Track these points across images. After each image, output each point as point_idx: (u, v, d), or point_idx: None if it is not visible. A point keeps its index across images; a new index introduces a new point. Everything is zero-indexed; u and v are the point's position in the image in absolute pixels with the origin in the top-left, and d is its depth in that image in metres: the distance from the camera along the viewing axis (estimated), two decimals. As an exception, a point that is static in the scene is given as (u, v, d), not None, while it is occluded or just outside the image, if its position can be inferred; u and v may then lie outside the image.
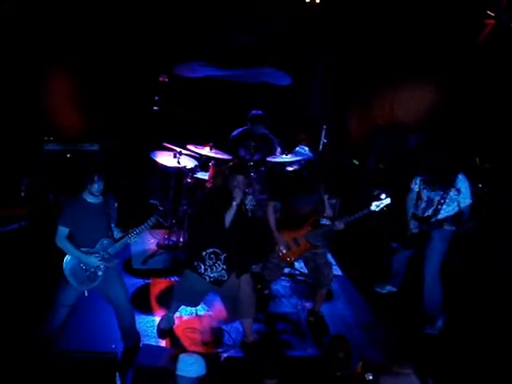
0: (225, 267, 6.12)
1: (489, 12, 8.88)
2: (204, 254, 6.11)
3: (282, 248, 6.77)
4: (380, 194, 6.56)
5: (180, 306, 6.69)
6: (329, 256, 8.26)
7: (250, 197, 6.22)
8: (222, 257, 6.10)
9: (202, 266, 6.13)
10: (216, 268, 6.11)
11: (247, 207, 6.20)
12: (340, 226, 6.63)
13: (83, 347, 6.02)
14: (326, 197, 6.88)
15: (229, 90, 10.09)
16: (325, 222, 6.79)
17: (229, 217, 6.02)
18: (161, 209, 6.02)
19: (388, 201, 6.50)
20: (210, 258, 6.11)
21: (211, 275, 6.13)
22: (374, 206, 6.52)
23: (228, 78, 10.13)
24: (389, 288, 7.80)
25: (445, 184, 6.83)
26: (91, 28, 9.12)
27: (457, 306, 7.37)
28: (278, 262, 6.92)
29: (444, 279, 7.03)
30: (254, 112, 8.65)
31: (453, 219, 6.79)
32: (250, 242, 6.43)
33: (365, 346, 6.67)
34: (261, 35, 9.94)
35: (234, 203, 6.00)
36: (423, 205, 7.04)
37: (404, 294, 7.72)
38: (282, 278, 7.92)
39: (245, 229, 6.23)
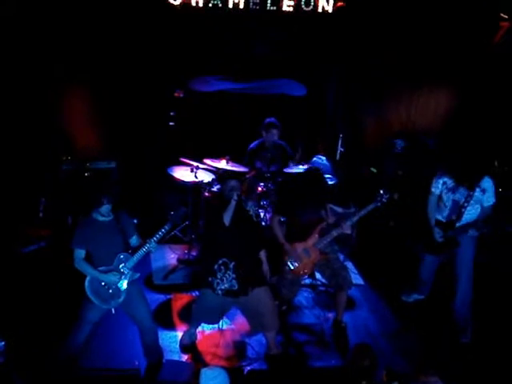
0: (234, 276, 6.06)
1: (502, 14, 8.84)
2: (216, 267, 6.08)
3: (293, 261, 6.71)
4: (381, 191, 6.57)
5: (201, 322, 6.68)
6: (350, 264, 8.25)
7: (250, 203, 6.24)
8: (231, 265, 6.05)
9: (215, 281, 6.09)
10: (226, 278, 6.06)
11: (251, 213, 6.20)
12: (347, 227, 6.61)
13: (106, 364, 6.04)
14: (329, 205, 6.84)
15: (244, 102, 10.11)
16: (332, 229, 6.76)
17: (228, 215, 5.96)
18: (172, 213, 6.00)
19: (388, 195, 6.52)
20: (220, 270, 6.07)
21: (222, 287, 6.08)
22: (376, 202, 6.55)
23: (243, 91, 10.15)
24: (415, 296, 7.71)
25: (470, 183, 6.73)
26: (106, 46, 9.19)
27: (484, 313, 7.27)
28: (292, 278, 6.85)
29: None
30: (266, 120, 8.66)
31: (477, 223, 6.74)
32: (258, 249, 6.38)
33: (390, 354, 6.59)
34: (275, 47, 9.96)
35: (232, 200, 5.96)
36: (447, 210, 6.93)
37: (430, 302, 7.63)
38: (304, 289, 7.89)
39: (251, 234, 6.22)
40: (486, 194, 6.70)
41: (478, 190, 6.70)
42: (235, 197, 5.98)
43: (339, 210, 7.08)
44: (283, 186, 8.29)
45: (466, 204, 6.76)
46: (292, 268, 6.73)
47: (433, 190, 7.05)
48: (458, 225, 6.84)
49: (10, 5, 8.24)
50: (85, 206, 5.82)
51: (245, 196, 6.24)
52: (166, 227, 5.87)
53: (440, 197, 7.00)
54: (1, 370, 5.78)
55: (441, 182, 6.97)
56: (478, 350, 6.84)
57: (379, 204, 6.55)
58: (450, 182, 6.90)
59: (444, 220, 6.97)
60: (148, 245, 5.82)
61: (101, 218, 5.75)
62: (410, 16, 9.24)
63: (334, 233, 6.68)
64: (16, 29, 8.53)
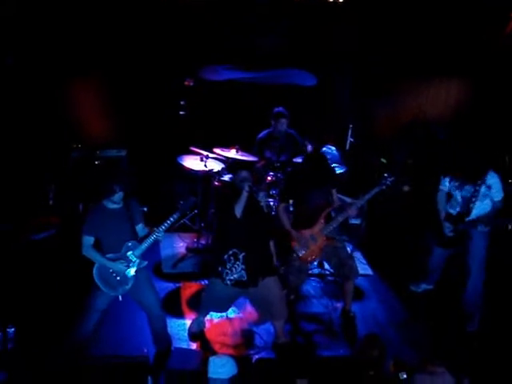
0: (244, 267, 6.05)
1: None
2: (226, 257, 6.07)
3: (300, 248, 6.73)
4: (385, 174, 6.60)
5: (210, 311, 6.70)
6: (358, 254, 8.25)
7: (262, 193, 6.19)
8: (241, 256, 6.04)
9: (224, 271, 6.09)
10: (236, 269, 6.06)
11: (261, 204, 6.18)
12: (353, 212, 6.63)
13: (115, 352, 6.05)
14: (334, 190, 6.88)
15: (254, 92, 10.09)
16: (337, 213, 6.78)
17: (239, 206, 5.93)
18: (182, 202, 6.00)
19: (392, 178, 6.54)
20: (230, 260, 6.06)
21: (231, 277, 6.08)
22: (380, 185, 6.56)
23: (253, 81, 10.14)
24: (424, 286, 7.72)
25: (474, 179, 6.74)
26: (116, 35, 9.20)
27: (493, 303, 7.27)
28: (299, 266, 6.84)
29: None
30: (275, 109, 8.65)
31: (485, 219, 6.76)
32: (268, 240, 6.38)
33: (398, 344, 6.57)
34: (285, 36, 9.93)
35: (244, 191, 5.93)
36: (458, 206, 6.96)
37: (439, 292, 7.64)
38: (313, 278, 7.90)
39: (262, 225, 6.21)
40: (492, 190, 6.72)
41: (483, 186, 6.73)
42: (247, 188, 5.94)
43: (348, 200, 7.09)
44: (287, 173, 8.29)
45: (473, 199, 6.78)
46: (299, 255, 6.73)
47: (441, 187, 7.12)
48: (468, 219, 6.85)
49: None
50: (96, 193, 5.83)
51: (256, 186, 6.21)
52: (175, 216, 5.88)
53: (449, 195, 7.06)
54: (10, 356, 5.86)
55: (447, 179, 7.03)
56: (484, 339, 6.84)
57: (384, 187, 6.56)
58: (455, 180, 6.95)
59: (455, 213, 6.98)
60: (156, 233, 5.84)
61: (111, 206, 5.76)
62: (422, 5, 9.19)
63: (340, 218, 6.68)
64: (29, 19, 8.56)
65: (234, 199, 5.99)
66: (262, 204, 6.20)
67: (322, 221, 6.69)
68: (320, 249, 6.76)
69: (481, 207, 6.81)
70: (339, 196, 6.94)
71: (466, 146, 7.39)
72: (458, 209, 6.97)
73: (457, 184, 6.94)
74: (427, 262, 7.55)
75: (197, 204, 5.95)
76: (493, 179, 6.74)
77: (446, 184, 7.05)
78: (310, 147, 8.67)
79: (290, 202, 7.03)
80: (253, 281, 6.12)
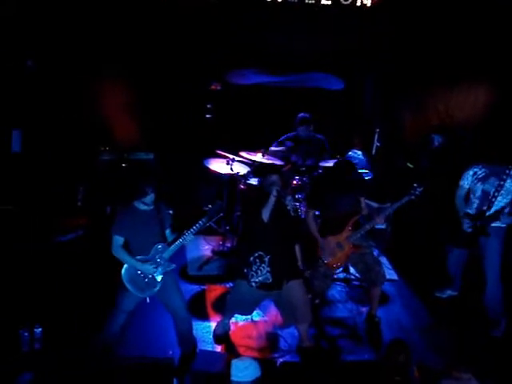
0: (269, 269, 6.04)
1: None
2: (251, 259, 6.07)
3: (327, 255, 6.72)
4: (414, 184, 6.55)
5: (234, 313, 6.72)
6: (384, 260, 8.22)
7: (289, 197, 6.19)
8: (266, 259, 6.03)
9: (250, 273, 6.09)
10: (261, 271, 6.05)
11: (288, 208, 6.16)
12: (380, 220, 6.63)
13: (141, 353, 6.10)
14: (362, 198, 6.83)
15: (281, 95, 10.11)
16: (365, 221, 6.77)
17: (267, 210, 5.93)
18: (210, 206, 6.04)
19: (421, 188, 6.49)
20: (255, 263, 6.06)
21: (257, 280, 6.07)
22: (409, 195, 6.52)
23: (280, 84, 10.16)
24: (449, 292, 7.67)
25: (500, 172, 6.70)
26: (145, 39, 9.27)
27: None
28: (325, 271, 6.83)
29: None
30: (299, 115, 8.68)
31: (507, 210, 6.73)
32: (294, 243, 6.37)
33: (423, 350, 6.54)
34: (312, 40, 9.94)
35: (272, 195, 5.92)
36: (477, 202, 6.90)
37: (464, 297, 7.59)
38: (338, 283, 7.90)
39: (288, 229, 6.20)
40: None
41: (509, 180, 6.68)
42: (275, 192, 5.94)
43: (374, 205, 7.07)
44: (315, 180, 8.29)
45: (496, 194, 6.73)
46: (325, 261, 6.73)
47: (461, 183, 7.04)
48: (487, 214, 6.82)
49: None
50: (128, 194, 5.86)
51: (284, 190, 6.21)
52: (204, 220, 5.92)
53: (469, 190, 6.99)
54: (37, 356, 5.94)
55: (471, 173, 6.94)
56: (510, 344, 6.78)
57: (413, 197, 6.52)
58: (480, 172, 6.88)
59: (473, 212, 6.94)
60: (185, 237, 5.88)
61: (142, 207, 5.81)
62: (449, 10, 9.14)
63: (368, 226, 6.68)
64: (58, 20, 8.67)
65: (261, 203, 6.00)
66: (289, 208, 6.19)
67: (350, 228, 6.68)
68: (346, 256, 6.76)
69: (502, 203, 6.78)
70: (366, 201, 6.91)
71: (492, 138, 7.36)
72: (475, 204, 6.92)
73: (482, 176, 6.85)
74: (446, 265, 7.51)
75: (223, 208, 5.96)
76: None
77: (468, 178, 6.96)
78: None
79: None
80: (277, 284, 6.12)
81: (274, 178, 6.09)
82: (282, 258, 6.12)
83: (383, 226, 8.43)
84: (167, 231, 5.98)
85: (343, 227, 6.68)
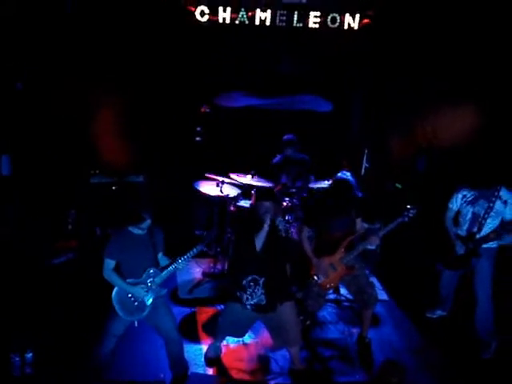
0: (263, 291, 6.03)
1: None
2: (244, 282, 6.06)
3: (320, 275, 6.74)
4: (408, 206, 6.55)
5: (226, 336, 6.71)
6: (374, 280, 8.23)
7: (280, 219, 6.17)
8: (261, 281, 6.02)
9: (244, 296, 6.08)
10: (256, 294, 6.04)
11: (280, 228, 6.14)
12: (373, 242, 6.62)
13: (132, 377, 6.09)
14: (358, 220, 6.85)
15: (270, 118, 10.17)
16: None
17: (260, 240, 5.93)
18: (204, 233, 6.04)
19: (415, 210, 6.49)
20: (250, 286, 6.05)
21: (252, 302, 6.07)
22: (403, 217, 6.52)
23: (269, 107, 10.22)
24: (439, 312, 7.69)
25: (489, 195, 6.76)
26: (134, 63, 9.33)
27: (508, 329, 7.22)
28: (318, 291, 6.84)
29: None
30: (285, 136, 8.78)
31: (498, 230, 6.77)
32: (287, 264, 6.36)
33: (414, 370, 6.55)
34: (301, 63, 10.03)
35: (265, 225, 5.90)
36: (467, 224, 6.96)
37: (455, 318, 7.60)
38: (329, 304, 7.91)
39: (281, 250, 6.18)
40: (507, 207, 6.73)
41: (499, 201, 6.74)
42: (268, 221, 5.92)
43: (364, 225, 7.10)
44: (311, 199, 8.33)
45: (486, 216, 6.79)
46: (318, 281, 6.75)
47: (450, 205, 7.10)
48: (478, 236, 6.86)
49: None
50: (123, 220, 5.85)
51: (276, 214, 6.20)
52: (198, 247, 5.93)
53: (458, 212, 7.05)
54: (28, 381, 5.92)
55: (460, 196, 7.01)
56: (501, 366, 6.79)
57: (406, 219, 6.52)
58: (469, 195, 6.94)
59: (464, 234, 7.00)
60: (178, 263, 5.89)
61: (136, 232, 5.81)
62: (435, 33, 9.24)
63: (360, 247, 6.69)
64: (47, 44, 8.72)
65: (253, 230, 5.99)
66: (281, 228, 6.18)
67: (343, 250, 6.70)
68: (339, 277, 6.77)
69: (491, 225, 6.82)
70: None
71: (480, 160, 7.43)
72: (465, 226, 6.97)
73: (471, 198, 6.91)
74: (438, 287, 7.54)
75: (217, 235, 5.93)
76: (508, 195, 6.74)
77: (457, 201, 7.02)
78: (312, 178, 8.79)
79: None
80: (271, 305, 6.11)
81: (268, 204, 6.01)
82: (275, 279, 6.11)
83: (373, 247, 8.46)
84: (159, 255, 5.97)
85: (337, 248, 6.70)
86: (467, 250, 6.93)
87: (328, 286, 6.81)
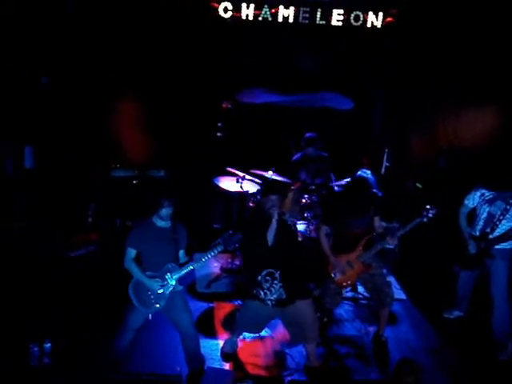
0: (282, 285, 6.05)
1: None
2: (259, 278, 6.06)
3: (337, 273, 6.76)
4: (427, 206, 6.50)
5: (244, 332, 6.74)
6: (392, 279, 8.22)
7: (287, 214, 6.18)
8: (277, 274, 6.03)
9: (261, 292, 6.08)
10: (274, 289, 6.05)
11: (288, 222, 6.17)
12: (392, 242, 6.60)
13: (149, 370, 6.11)
14: (376, 218, 6.84)
15: (291, 115, 10.18)
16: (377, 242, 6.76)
17: (271, 234, 5.97)
18: (228, 235, 6.00)
19: (434, 211, 6.45)
20: (266, 281, 6.05)
21: (272, 298, 6.07)
22: (422, 217, 6.48)
23: (290, 104, 10.23)
24: (457, 313, 7.66)
25: (507, 197, 6.74)
26: (158, 58, 9.39)
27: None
28: (335, 288, 6.86)
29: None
30: (306, 135, 8.75)
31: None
32: (302, 257, 6.39)
33: (431, 370, 6.54)
34: (323, 60, 10.03)
35: (274, 220, 5.95)
36: (481, 223, 6.94)
37: (473, 318, 7.57)
38: (346, 302, 7.91)
39: (293, 242, 6.24)
40: None
41: None
42: (276, 216, 5.97)
43: (383, 224, 7.10)
44: (329, 197, 8.33)
45: (501, 217, 6.76)
46: (335, 279, 6.77)
47: (466, 202, 7.08)
48: (490, 237, 6.84)
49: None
50: (145, 209, 5.91)
51: (284, 210, 6.21)
52: (218, 249, 5.93)
53: (474, 210, 7.02)
54: (46, 372, 5.98)
55: (478, 194, 6.97)
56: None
57: (425, 219, 6.48)
58: (488, 194, 6.90)
59: (477, 233, 6.98)
60: (197, 263, 5.92)
61: (159, 223, 5.87)
62: (459, 33, 9.19)
63: (379, 246, 6.69)
64: (73, 39, 8.80)
65: (265, 226, 6.02)
66: (289, 223, 6.22)
67: (361, 248, 6.70)
68: (356, 275, 6.79)
69: (505, 226, 6.79)
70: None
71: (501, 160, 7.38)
72: (480, 226, 6.95)
73: (489, 198, 6.88)
74: (455, 287, 7.52)
75: (241, 240, 5.96)
76: None
77: (474, 198, 6.99)
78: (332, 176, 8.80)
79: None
80: (291, 298, 6.12)
81: (273, 198, 6.03)
82: (291, 272, 6.12)
83: (392, 246, 8.44)
84: (180, 253, 6.01)
85: (355, 246, 6.71)
86: (479, 250, 6.91)
87: (345, 283, 6.82)
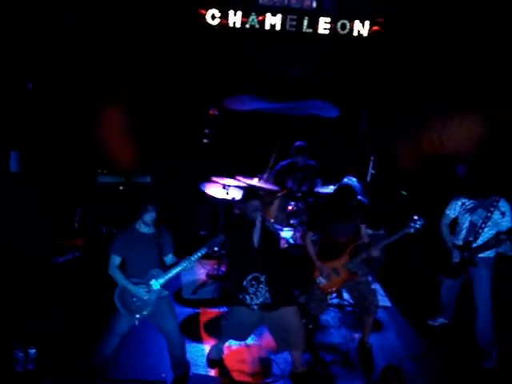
0: (268, 289, 6.07)
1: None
2: (245, 283, 6.07)
3: (322, 279, 6.77)
4: (415, 216, 6.48)
5: (230, 339, 6.73)
6: (377, 286, 8.25)
7: (270, 220, 6.23)
8: (263, 278, 6.06)
9: (247, 297, 6.09)
10: (260, 293, 6.07)
11: (270, 228, 6.24)
12: (377, 251, 6.62)
13: (134, 376, 6.11)
14: (363, 226, 6.86)
15: (278, 122, 10.19)
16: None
17: (256, 235, 6.02)
18: (212, 239, 6.02)
19: (422, 221, 6.43)
20: (252, 285, 6.07)
21: (257, 302, 6.08)
22: (409, 228, 6.46)
23: (277, 111, 10.25)
24: (441, 320, 7.67)
25: (488, 204, 6.77)
26: (144, 64, 9.39)
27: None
28: (320, 295, 6.88)
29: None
30: (296, 143, 8.78)
31: (491, 241, 6.78)
32: (287, 263, 6.42)
33: (415, 377, 6.57)
34: (308, 68, 10.07)
35: (257, 221, 6.01)
36: (464, 232, 6.97)
37: (458, 326, 7.59)
38: (331, 308, 7.92)
39: (275, 246, 6.29)
40: (505, 218, 6.73)
41: (497, 212, 6.75)
42: (259, 218, 6.03)
43: (369, 231, 7.12)
44: (315, 204, 8.35)
45: (483, 225, 6.79)
46: (321, 285, 6.78)
47: (447, 212, 7.09)
48: (473, 246, 6.87)
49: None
50: (129, 215, 5.92)
51: (269, 217, 6.28)
52: (202, 251, 5.92)
53: (456, 219, 7.05)
54: (31, 377, 5.95)
55: (459, 203, 7.00)
56: (502, 375, 6.78)
57: (412, 230, 6.46)
58: (468, 203, 6.94)
59: (460, 242, 7.00)
60: (181, 266, 5.90)
61: (143, 229, 5.87)
62: (445, 41, 9.27)
63: (364, 255, 6.70)
64: (59, 44, 8.79)
65: (249, 229, 6.06)
66: (271, 228, 6.28)
67: (347, 256, 6.73)
68: (342, 282, 6.82)
69: (488, 234, 6.83)
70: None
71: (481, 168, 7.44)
72: (462, 235, 6.98)
73: (470, 207, 6.90)
74: (439, 295, 7.55)
75: (224, 241, 5.98)
76: (506, 207, 6.75)
77: (455, 208, 7.01)
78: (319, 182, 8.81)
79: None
80: (276, 303, 6.13)
81: (256, 203, 6.12)
82: (276, 276, 6.15)
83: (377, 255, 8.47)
84: (169, 257, 6.01)
85: (341, 253, 6.74)
86: (462, 259, 6.94)
87: (330, 290, 6.85)
